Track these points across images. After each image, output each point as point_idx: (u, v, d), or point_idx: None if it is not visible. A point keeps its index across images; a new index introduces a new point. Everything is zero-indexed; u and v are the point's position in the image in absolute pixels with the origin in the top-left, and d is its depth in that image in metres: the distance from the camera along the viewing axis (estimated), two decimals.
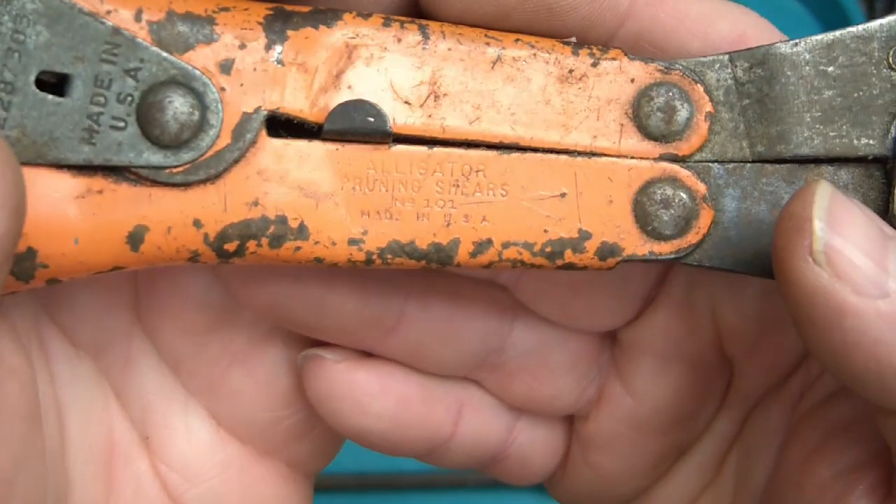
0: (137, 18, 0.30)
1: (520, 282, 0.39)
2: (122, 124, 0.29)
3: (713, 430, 0.40)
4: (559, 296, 0.38)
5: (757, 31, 0.34)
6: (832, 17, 0.97)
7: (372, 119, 0.31)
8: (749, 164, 0.33)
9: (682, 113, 0.32)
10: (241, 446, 0.40)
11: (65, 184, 0.29)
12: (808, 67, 0.32)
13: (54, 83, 0.29)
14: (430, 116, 0.32)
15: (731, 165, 0.33)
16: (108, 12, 0.29)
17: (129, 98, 0.29)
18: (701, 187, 0.32)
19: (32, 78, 0.29)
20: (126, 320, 0.38)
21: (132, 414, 0.39)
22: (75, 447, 0.36)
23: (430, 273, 0.38)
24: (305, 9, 0.31)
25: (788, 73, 0.32)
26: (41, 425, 0.34)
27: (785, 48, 0.32)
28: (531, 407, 0.41)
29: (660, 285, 0.38)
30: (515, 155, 0.32)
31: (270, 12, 0.31)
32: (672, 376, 0.39)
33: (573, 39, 0.33)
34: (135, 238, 0.30)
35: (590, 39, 0.33)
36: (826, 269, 0.29)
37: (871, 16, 1.01)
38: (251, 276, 0.36)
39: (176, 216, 0.30)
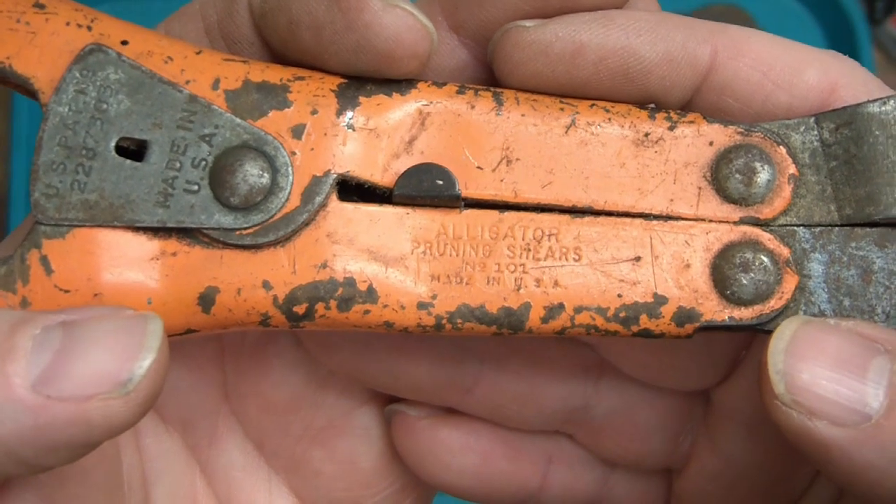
0: (215, 87, 0.31)
1: (603, 340, 0.38)
2: (195, 188, 0.30)
3: (812, 493, 0.38)
4: (643, 355, 0.37)
5: (848, 79, 0.32)
6: (832, 18, 0.93)
7: (441, 182, 0.31)
8: (837, 228, 0.31)
9: (763, 175, 0.31)
10: None
11: (141, 246, 0.30)
12: None
13: (133, 149, 0.30)
14: (501, 181, 0.31)
15: (817, 229, 0.31)
16: (188, 82, 0.30)
17: (204, 162, 0.30)
18: (784, 251, 0.31)
19: (112, 144, 0.30)
20: (214, 398, 0.39)
21: (217, 489, 0.39)
22: None
23: None
24: (380, 78, 0.32)
25: (877, 132, 0.31)
26: (123, 496, 0.35)
27: (873, 107, 0.31)
28: (623, 461, 0.40)
29: (747, 347, 0.37)
30: (588, 219, 0.31)
31: (344, 81, 0.31)
32: (760, 441, 0.37)
33: (651, 105, 0.32)
34: (206, 299, 0.30)
35: (672, 98, 0.32)
36: (795, 408, 0.28)
37: (872, 16, 0.96)
38: (325, 341, 0.37)
39: (246, 278, 0.30)
